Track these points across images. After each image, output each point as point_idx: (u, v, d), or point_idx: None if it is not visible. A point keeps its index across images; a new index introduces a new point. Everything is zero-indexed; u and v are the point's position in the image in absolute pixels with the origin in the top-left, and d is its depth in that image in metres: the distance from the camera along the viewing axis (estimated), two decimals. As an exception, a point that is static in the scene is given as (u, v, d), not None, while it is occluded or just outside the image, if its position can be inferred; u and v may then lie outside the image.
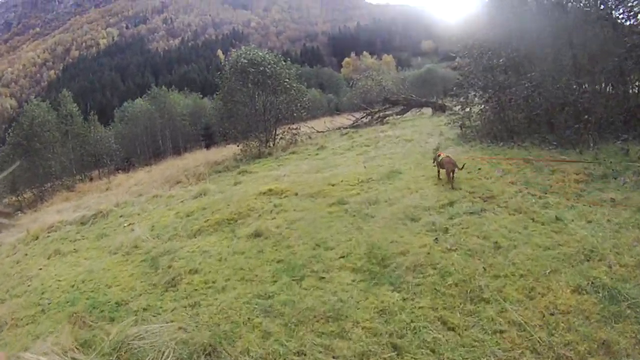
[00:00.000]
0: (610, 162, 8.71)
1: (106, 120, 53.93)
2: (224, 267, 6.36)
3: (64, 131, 36.53)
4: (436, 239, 6.12)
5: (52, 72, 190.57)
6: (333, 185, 9.75)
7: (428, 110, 29.24)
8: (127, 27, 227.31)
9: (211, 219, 8.81)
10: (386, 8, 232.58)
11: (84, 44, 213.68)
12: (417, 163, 11.25)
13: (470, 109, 15.65)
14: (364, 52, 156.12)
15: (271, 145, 22.57)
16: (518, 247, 5.55)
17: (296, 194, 9.56)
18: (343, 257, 6.02)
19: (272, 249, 6.70)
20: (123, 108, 53.14)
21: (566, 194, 7.36)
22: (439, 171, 9.29)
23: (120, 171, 38.08)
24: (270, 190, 10.00)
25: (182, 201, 12.05)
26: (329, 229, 7.10)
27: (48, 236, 11.43)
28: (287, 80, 23.08)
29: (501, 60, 13.68)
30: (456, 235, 6.17)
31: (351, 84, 34.17)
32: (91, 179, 36.99)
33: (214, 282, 5.96)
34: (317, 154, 17.18)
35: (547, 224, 6.18)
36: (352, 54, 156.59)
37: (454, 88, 16.23)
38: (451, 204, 7.49)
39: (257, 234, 7.33)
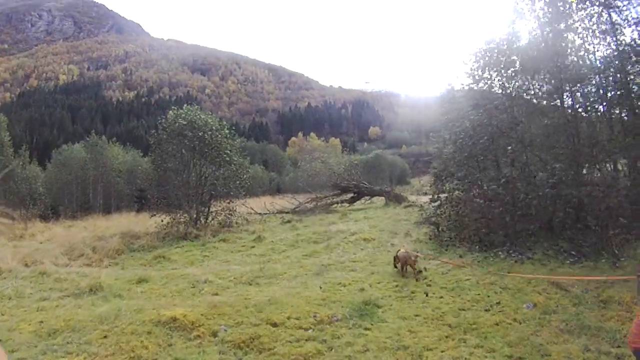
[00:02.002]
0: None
1: (48, 159, 49.81)
2: None
3: (-8, 161, 31.61)
4: None
5: (7, 94, 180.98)
6: (275, 325, 6.17)
7: (378, 199, 26.44)
8: (88, 69, 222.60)
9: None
10: (338, 91, 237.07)
11: (44, 75, 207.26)
12: (396, 285, 8.00)
13: (444, 204, 12.82)
14: (312, 133, 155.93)
15: (202, 222, 18.96)
16: None
17: (215, 335, 5.94)
18: None
19: None
20: (61, 150, 48.00)
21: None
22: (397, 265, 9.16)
23: (42, 219, 32.79)
24: (175, 319, 6.26)
25: (61, 298, 8.44)
26: None
27: None
28: (227, 151, 19.66)
29: (509, 149, 10.80)
30: None
31: (298, 164, 30.83)
32: (13, 219, 32.44)
33: None
34: (252, 247, 13.68)
35: None
36: (300, 134, 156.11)
37: (434, 180, 13.38)
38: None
39: None
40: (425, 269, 8.91)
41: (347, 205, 24.94)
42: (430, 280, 8.19)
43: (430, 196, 13.90)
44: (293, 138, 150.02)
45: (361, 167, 34.68)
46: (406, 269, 8.85)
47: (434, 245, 11.58)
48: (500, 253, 9.56)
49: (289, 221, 19.30)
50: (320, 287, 7.80)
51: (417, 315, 6.39)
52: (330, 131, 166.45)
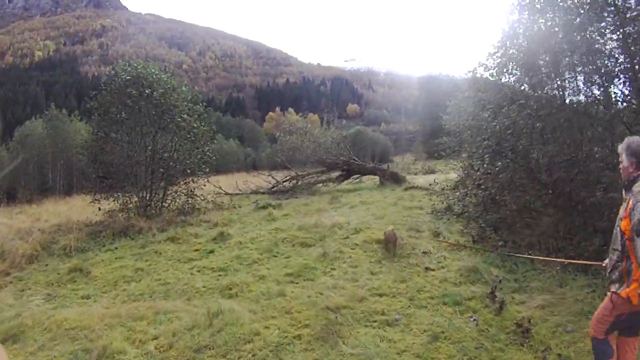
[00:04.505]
0: None
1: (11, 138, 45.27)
2: None
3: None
4: None
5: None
6: None
7: (367, 179, 22.24)
8: (64, 44, 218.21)
9: None
10: (316, 68, 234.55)
11: (20, 52, 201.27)
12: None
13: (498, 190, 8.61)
14: (289, 109, 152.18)
15: (156, 206, 14.52)
16: None
17: None
18: None
19: None
20: (24, 128, 43.32)
21: None
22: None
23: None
24: None
25: None
26: None
27: None
28: (184, 115, 14.75)
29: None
30: None
31: (277, 135, 26.13)
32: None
33: None
34: (210, 252, 9.05)
35: None
36: (277, 109, 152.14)
37: (488, 157, 8.97)
38: None
39: None
40: (530, 322, 4.67)
41: (333, 185, 20.50)
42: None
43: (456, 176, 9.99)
44: (270, 113, 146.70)
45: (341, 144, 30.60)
46: (394, 246, 7.83)
47: (488, 254, 7.43)
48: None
49: (264, 207, 14.47)
50: None
51: None
52: (308, 107, 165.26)
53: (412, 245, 8.18)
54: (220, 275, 7.32)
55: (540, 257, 6.33)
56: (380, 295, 5.78)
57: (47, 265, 9.38)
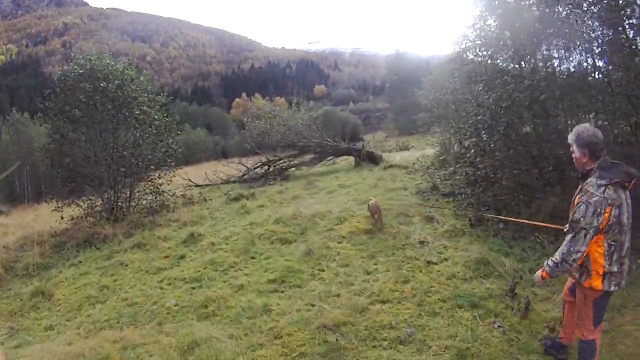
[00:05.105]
0: None
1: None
2: None
3: None
4: None
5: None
6: None
7: (342, 159, 21.37)
8: (27, 46, 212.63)
9: None
10: (281, 52, 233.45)
11: None
12: None
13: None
14: (256, 94, 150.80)
15: (123, 207, 13.27)
16: None
17: None
18: None
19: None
20: None
21: None
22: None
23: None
24: None
25: None
26: None
27: None
28: (143, 107, 13.54)
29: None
30: None
31: (245, 121, 24.88)
32: None
33: None
34: (181, 258, 8.10)
35: None
36: (244, 95, 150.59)
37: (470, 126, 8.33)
38: None
39: None
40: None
41: (306, 168, 19.63)
42: None
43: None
44: (237, 99, 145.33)
45: (310, 125, 29.62)
46: (380, 218, 7.97)
47: (492, 239, 6.73)
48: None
49: (236, 198, 13.40)
50: None
51: None
52: (274, 91, 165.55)
53: (405, 233, 7.38)
54: (193, 288, 6.38)
55: (552, 226, 5.68)
56: (383, 303, 4.95)
57: (10, 289, 8.42)
